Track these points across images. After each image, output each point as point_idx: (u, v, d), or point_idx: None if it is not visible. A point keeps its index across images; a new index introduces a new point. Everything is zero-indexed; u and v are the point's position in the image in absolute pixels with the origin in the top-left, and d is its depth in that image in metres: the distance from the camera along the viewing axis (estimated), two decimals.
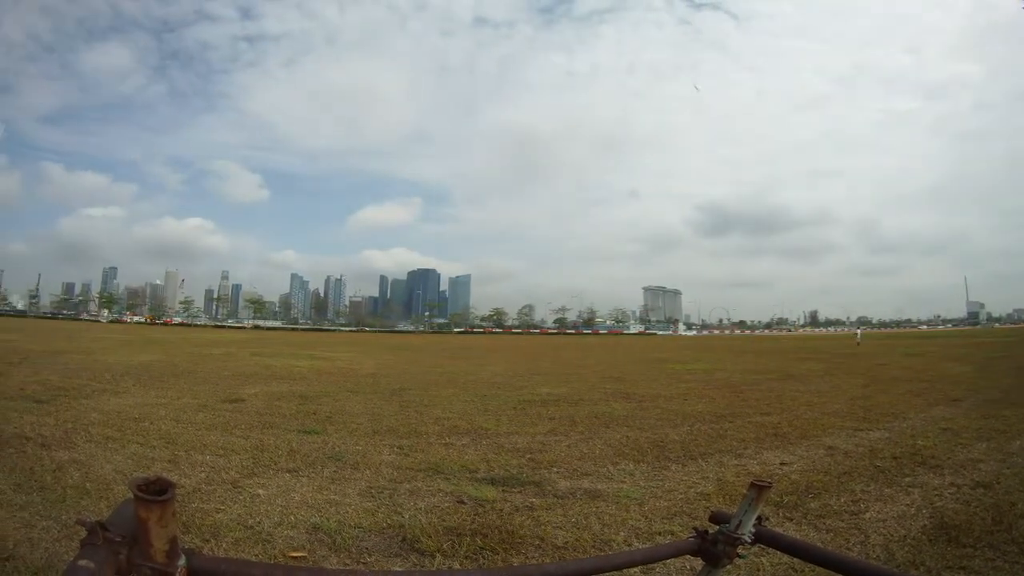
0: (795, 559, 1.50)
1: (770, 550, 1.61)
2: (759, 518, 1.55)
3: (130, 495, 0.92)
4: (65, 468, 6.31)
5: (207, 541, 4.47)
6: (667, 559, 1.50)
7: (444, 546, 4.49)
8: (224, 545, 4.42)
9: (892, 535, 4.78)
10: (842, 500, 5.69)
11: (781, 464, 7.19)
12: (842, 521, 5.12)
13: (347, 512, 5.21)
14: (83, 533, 0.92)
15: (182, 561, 0.94)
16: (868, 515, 5.26)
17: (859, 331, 72.21)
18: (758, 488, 1.54)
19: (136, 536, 0.92)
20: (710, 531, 1.58)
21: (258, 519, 4.96)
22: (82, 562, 0.86)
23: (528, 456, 7.48)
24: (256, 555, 4.28)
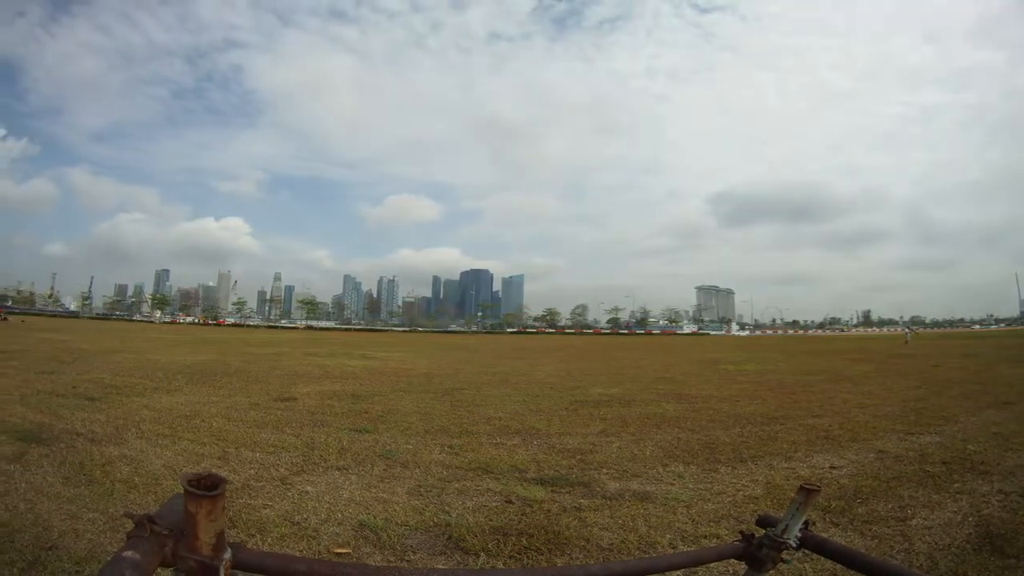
0: (839, 566, 1.45)
1: (815, 556, 1.56)
2: (806, 523, 1.51)
3: (180, 490, 0.94)
4: (115, 463, 6.48)
5: (252, 536, 4.56)
6: (711, 563, 1.47)
7: (489, 545, 4.50)
8: (269, 540, 4.51)
9: (937, 543, 4.65)
10: (889, 506, 5.55)
11: (831, 468, 7.04)
12: (888, 527, 4.99)
13: (394, 510, 5.26)
14: (130, 526, 0.94)
15: (227, 554, 0.96)
16: (914, 522, 5.13)
17: (909, 331, 70.54)
18: (807, 492, 1.50)
19: (183, 530, 0.94)
20: (756, 535, 1.55)
21: (305, 515, 5.05)
22: (127, 553, 0.88)
23: (578, 457, 7.45)
24: (301, 550, 4.35)
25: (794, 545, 1.49)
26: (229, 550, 0.96)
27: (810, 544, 1.51)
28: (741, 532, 1.60)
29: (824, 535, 1.55)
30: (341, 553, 4.33)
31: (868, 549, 4.46)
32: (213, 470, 0.98)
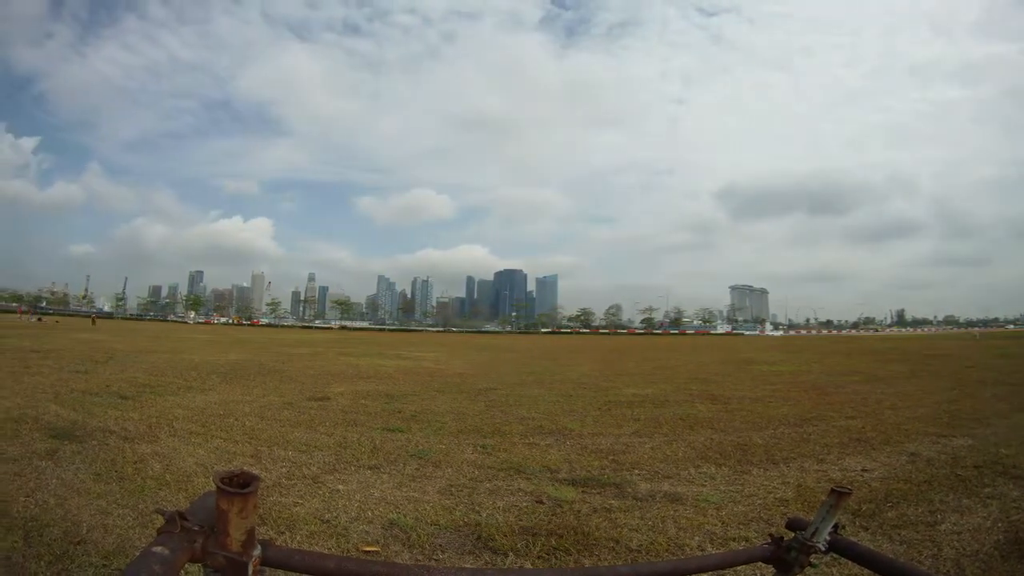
0: (867, 570, 1.42)
1: (843, 560, 1.53)
2: (835, 526, 1.49)
3: (210, 487, 0.96)
4: (146, 460, 6.60)
5: (282, 533, 4.62)
6: (740, 565, 1.45)
7: (518, 545, 4.51)
8: (299, 537, 4.56)
9: (965, 549, 4.56)
10: (920, 510, 5.47)
11: (862, 471, 6.95)
12: (917, 532, 4.91)
13: (425, 509, 5.29)
14: (160, 522, 0.96)
15: (257, 551, 0.97)
16: (944, 527, 5.04)
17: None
18: (837, 495, 1.48)
19: (214, 526, 0.95)
20: (785, 538, 1.53)
21: (335, 513, 5.10)
22: (157, 548, 0.89)
23: (611, 457, 7.43)
24: (330, 548, 4.40)
25: (823, 549, 1.47)
26: (259, 547, 0.98)
27: (839, 548, 1.49)
28: (770, 535, 1.58)
29: (853, 539, 1.53)
30: (370, 551, 4.37)
31: (896, 554, 4.39)
32: (246, 468, 1.00)
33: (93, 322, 74.17)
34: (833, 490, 1.48)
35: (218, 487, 0.93)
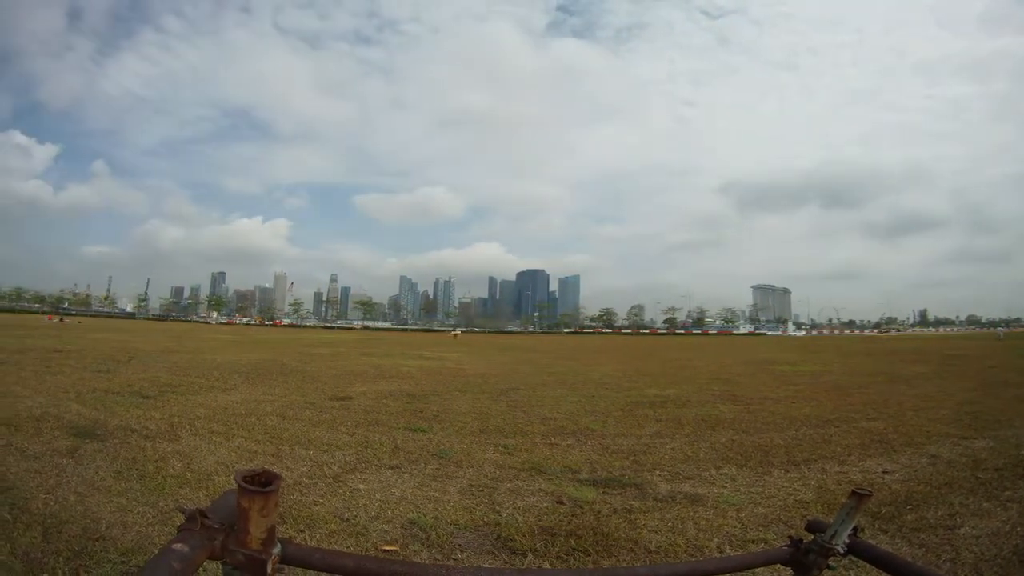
0: (884, 574, 1.41)
1: (861, 563, 1.52)
2: (855, 529, 1.48)
3: (231, 485, 0.97)
4: (167, 459, 6.66)
5: (301, 532, 4.65)
6: (758, 567, 1.44)
7: (537, 545, 4.51)
8: (318, 536, 4.59)
9: (983, 554, 4.50)
10: (939, 513, 5.41)
11: (883, 473, 6.90)
12: (936, 536, 4.86)
13: (445, 509, 5.31)
14: (181, 519, 0.97)
15: (276, 549, 0.98)
16: (963, 531, 4.99)
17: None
18: (858, 497, 1.47)
19: (234, 524, 0.96)
20: (804, 540, 1.52)
21: (355, 512, 5.13)
22: (176, 545, 0.91)
23: (632, 458, 7.42)
24: (348, 547, 4.43)
25: (842, 551, 1.45)
26: (278, 545, 0.99)
27: (858, 551, 1.47)
28: (790, 537, 1.57)
29: (872, 542, 1.52)
30: (389, 550, 4.39)
31: (914, 558, 4.35)
32: (267, 467, 1.01)
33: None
34: (853, 492, 1.47)
35: (239, 485, 0.94)
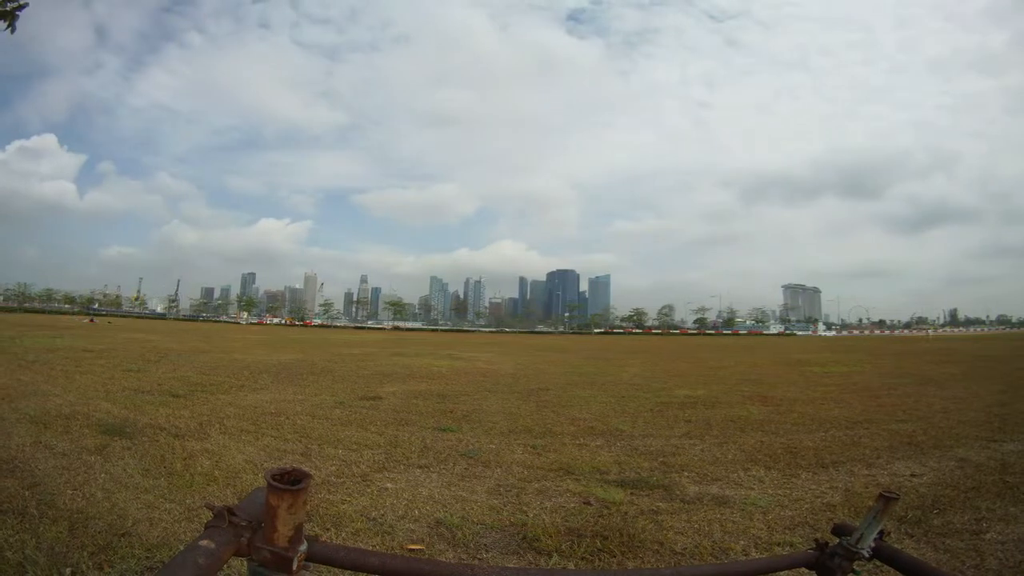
0: None
1: (886, 568, 1.51)
2: (881, 532, 1.47)
3: (259, 483, 0.99)
4: (196, 457, 6.75)
5: (328, 530, 4.69)
6: (783, 570, 1.43)
7: (563, 546, 4.51)
8: (344, 534, 4.63)
9: (1008, 560, 4.41)
10: (966, 518, 5.31)
11: (911, 475, 6.79)
12: (962, 541, 4.77)
13: (472, 508, 5.33)
14: (209, 516, 1.00)
15: (303, 547, 1.00)
16: (989, 536, 4.88)
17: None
18: (885, 500, 1.46)
19: (262, 522, 0.99)
20: (829, 544, 1.52)
21: (382, 511, 5.16)
22: (203, 542, 0.93)
23: (660, 459, 7.39)
24: (374, 545, 4.46)
25: (867, 555, 1.44)
26: (305, 542, 1.01)
27: (883, 555, 1.46)
28: (815, 540, 1.56)
29: (897, 546, 1.50)
30: (414, 549, 4.42)
31: (939, 563, 4.27)
32: (296, 465, 1.03)
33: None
34: (881, 495, 1.46)
35: (269, 483, 0.96)
